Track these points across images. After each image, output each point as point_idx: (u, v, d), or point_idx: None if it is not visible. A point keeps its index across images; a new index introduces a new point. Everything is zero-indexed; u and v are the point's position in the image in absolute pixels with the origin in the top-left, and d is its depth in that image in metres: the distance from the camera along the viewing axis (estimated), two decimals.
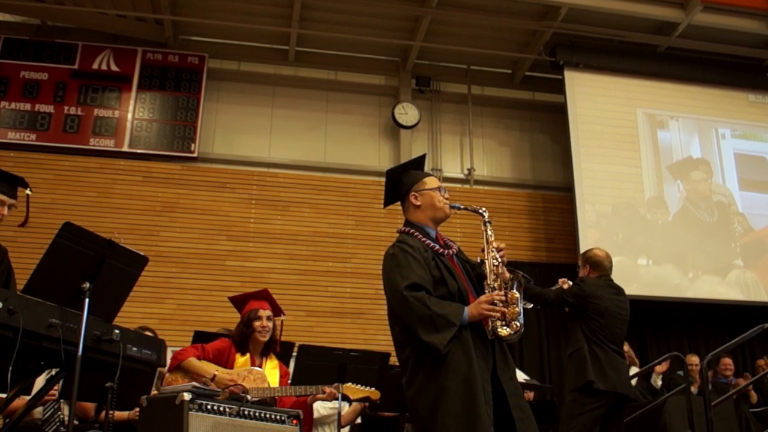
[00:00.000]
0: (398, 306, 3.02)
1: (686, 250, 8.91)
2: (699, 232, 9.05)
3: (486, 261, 3.12)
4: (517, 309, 2.99)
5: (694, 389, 7.26)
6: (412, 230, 3.22)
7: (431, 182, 3.32)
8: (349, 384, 4.32)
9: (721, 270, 8.91)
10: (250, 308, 4.31)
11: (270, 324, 4.28)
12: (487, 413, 2.80)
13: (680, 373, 7.52)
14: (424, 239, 3.16)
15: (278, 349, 4.43)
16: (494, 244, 3.14)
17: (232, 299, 4.53)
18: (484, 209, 3.26)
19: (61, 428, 4.35)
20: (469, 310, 2.96)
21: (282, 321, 4.50)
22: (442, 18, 8.91)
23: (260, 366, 4.26)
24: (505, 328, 2.95)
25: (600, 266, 5.26)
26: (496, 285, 3.05)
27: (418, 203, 3.26)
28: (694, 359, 7.54)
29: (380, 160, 9.43)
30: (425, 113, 9.61)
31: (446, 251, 3.18)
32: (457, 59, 9.89)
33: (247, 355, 4.26)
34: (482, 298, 2.98)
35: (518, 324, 2.97)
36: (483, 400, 2.80)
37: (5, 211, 3.34)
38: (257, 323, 4.23)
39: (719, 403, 6.03)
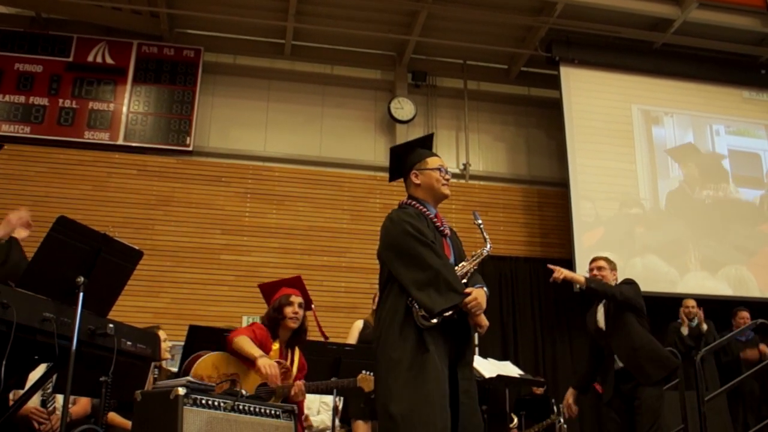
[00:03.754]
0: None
1: (681, 245, 8.94)
2: (693, 227, 9.08)
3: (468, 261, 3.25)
4: None
5: (684, 329, 7.49)
6: (413, 202, 3.31)
7: (433, 162, 3.38)
8: (365, 373, 4.28)
9: (714, 265, 8.94)
10: (282, 294, 4.25)
11: (301, 311, 4.21)
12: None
13: None
14: (425, 210, 3.26)
15: (305, 339, 4.36)
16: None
17: (262, 287, 4.47)
18: (489, 248, 3.31)
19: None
20: None
21: (314, 311, 4.43)
22: (438, 13, 8.89)
23: (286, 357, 4.20)
24: (421, 318, 3.00)
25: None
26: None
27: (418, 182, 3.34)
28: (690, 302, 7.64)
29: (376, 154, 9.43)
30: (421, 108, 9.60)
31: (444, 229, 3.28)
32: (453, 54, 9.88)
33: (277, 342, 4.20)
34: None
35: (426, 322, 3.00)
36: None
37: None
38: (289, 309, 4.16)
39: (713, 398, 6.05)
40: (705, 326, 7.51)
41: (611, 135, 9.23)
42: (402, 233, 3.09)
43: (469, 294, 3.01)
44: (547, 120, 9.94)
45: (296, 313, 4.18)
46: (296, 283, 4.37)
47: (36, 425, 4.19)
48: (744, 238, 9.16)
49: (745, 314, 7.83)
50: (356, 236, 8.68)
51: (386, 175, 9.61)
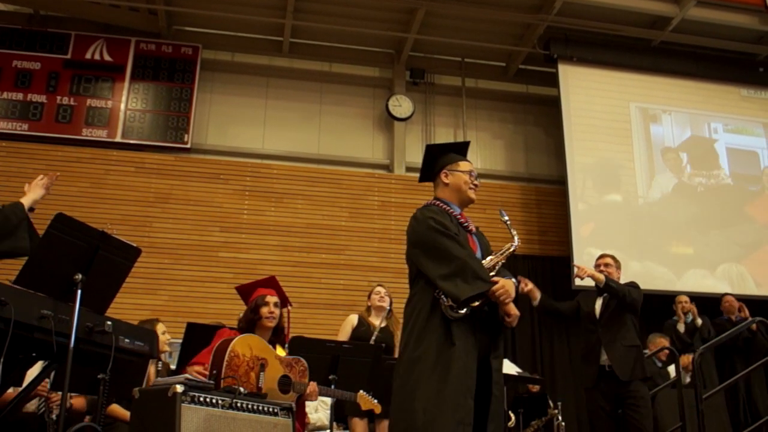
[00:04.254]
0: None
1: (679, 243, 8.95)
2: (692, 225, 9.09)
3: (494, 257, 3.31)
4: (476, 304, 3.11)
5: (681, 326, 7.58)
6: (437, 202, 3.38)
7: (464, 165, 3.49)
8: (362, 393, 4.40)
9: (712, 263, 8.95)
10: (258, 294, 4.27)
11: (277, 311, 4.23)
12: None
13: None
14: (449, 209, 3.34)
15: (286, 339, 4.38)
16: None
17: (239, 289, 4.50)
18: (516, 244, 3.40)
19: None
20: None
21: (288, 311, 4.47)
22: (436, 10, 8.89)
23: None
24: (449, 309, 3.04)
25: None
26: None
27: (447, 181, 3.43)
28: (683, 298, 7.76)
29: (374, 152, 9.43)
30: (419, 105, 9.60)
31: (468, 226, 3.35)
32: (451, 52, 9.87)
33: None
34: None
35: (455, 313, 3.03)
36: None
37: None
38: (264, 309, 4.18)
39: (710, 395, 6.05)
40: (699, 321, 7.54)
41: (609, 133, 9.23)
42: (426, 229, 3.18)
43: (496, 282, 3.05)
44: (545, 118, 9.94)
45: (272, 312, 4.20)
46: (271, 283, 4.38)
47: (45, 395, 4.19)
48: (742, 236, 9.17)
49: (730, 298, 7.99)
50: (354, 233, 8.68)
51: (384, 172, 9.69)
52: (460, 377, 2.92)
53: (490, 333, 3.14)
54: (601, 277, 5.33)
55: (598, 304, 5.52)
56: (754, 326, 7.39)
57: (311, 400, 4.23)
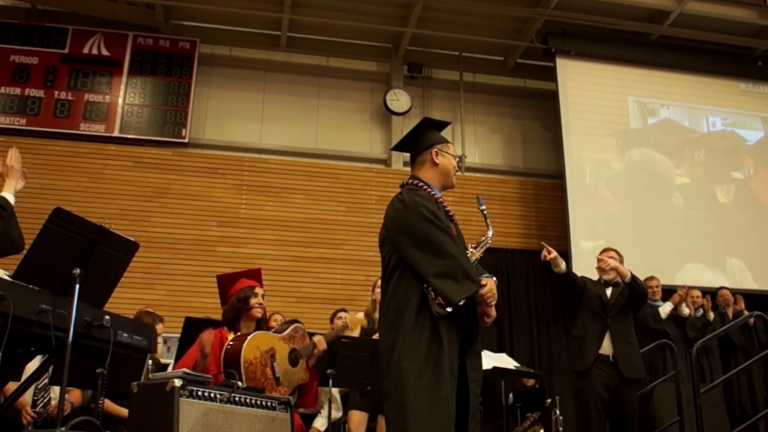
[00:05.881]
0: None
1: (678, 237, 8.94)
2: (690, 220, 9.09)
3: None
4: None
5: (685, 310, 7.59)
6: (421, 185, 3.18)
7: (452, 149, 3.33)
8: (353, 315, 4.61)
9: (711, 257, 8.95)
10: (245, 285, 4.29)
11: (264, 302, 4.29)
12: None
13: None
14: (433, 192, 3.16)
15: (267, 328, 4.42)
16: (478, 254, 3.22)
17: (220, 278, 4.51)
18: (491, 235, 3.27)
19: (46, 409, 4.36)
20: None
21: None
22: (434, 4, 8.87)
23: None
24: (437, 306, 2.91)
25: None
26: None
27: (437, 161, 3.22)
28: (695, 293, 7.86)
29: (372, 146, 9.43)
30: (417, 100, 9.59)
31: (451, 213, 3.19)
32: (449, 46, 9.86)
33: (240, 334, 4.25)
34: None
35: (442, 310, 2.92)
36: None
37: None
38: (254, 300, 4.21)
39: (708, 390, 6.07)
40: (712, 314, 7.56)
41: (607, 127, 9.23)
42: (418, 217, 2.99)
43: (485, 285, 2.95)
44: (543, 112, 9.93)
45: (261, 303, 4.24)
46: (257, 276, 4.41)
47: (23, 420, 4.22)
48: (739, 231, 9.17)
49: (725, 291, 8.05)
50: (352, 228, 8.68)
51: (382, 166, 9.68)
52: (447, 385, 2.83)
53: (467, 329, 3.04)
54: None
55: (608, 292, 5.44)
56: (751, 320, 7.41)
57: (323, 349, 4.30)
